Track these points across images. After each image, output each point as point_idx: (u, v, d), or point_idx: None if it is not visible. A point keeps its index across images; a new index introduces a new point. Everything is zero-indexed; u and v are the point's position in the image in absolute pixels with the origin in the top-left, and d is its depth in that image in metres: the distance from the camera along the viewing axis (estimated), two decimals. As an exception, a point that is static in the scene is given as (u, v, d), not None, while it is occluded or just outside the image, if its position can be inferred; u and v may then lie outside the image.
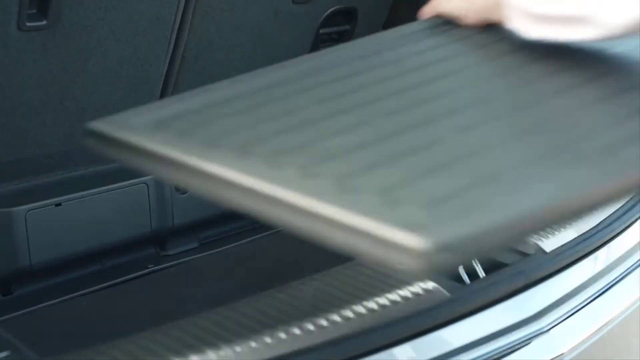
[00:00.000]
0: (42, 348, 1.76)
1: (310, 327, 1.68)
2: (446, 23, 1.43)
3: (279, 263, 2.22)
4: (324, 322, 1.70)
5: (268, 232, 2.43)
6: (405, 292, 1.81)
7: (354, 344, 1.65)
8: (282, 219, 1.02)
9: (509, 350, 1.72)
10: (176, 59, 2.13)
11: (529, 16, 1.29)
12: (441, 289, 1.74)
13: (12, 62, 1.89)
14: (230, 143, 1.08)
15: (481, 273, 1.86)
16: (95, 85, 2.04)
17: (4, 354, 1.69)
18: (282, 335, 1.66)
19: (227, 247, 2.37)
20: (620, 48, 1.31)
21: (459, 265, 0.88)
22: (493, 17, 1.38)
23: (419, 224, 0.86)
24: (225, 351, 1.62)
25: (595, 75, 1.24)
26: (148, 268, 2.27)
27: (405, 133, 1.07)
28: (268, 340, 1.66)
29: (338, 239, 0.94)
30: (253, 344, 1.65)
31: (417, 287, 1.81)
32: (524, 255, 1.86)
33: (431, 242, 0.82)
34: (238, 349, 1.63)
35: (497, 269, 1.84)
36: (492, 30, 1.39)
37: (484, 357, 1.71)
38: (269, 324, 1.70)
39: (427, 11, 1.45)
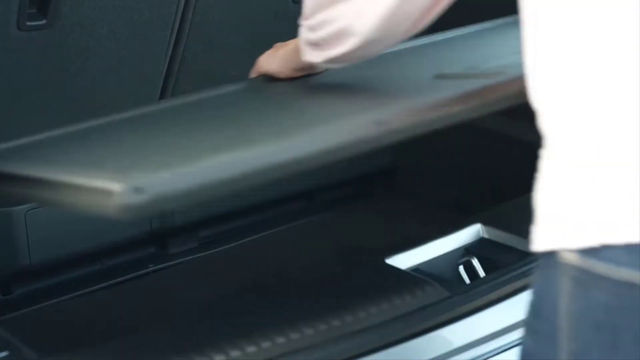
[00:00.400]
0: (42, 348, 1.76)
1: (310, 326, 1.68)
2: (267, 79, 1.69)
3: (279, 263, 2.22)
4: (323, 322, 1.70)
5: (268, 232, 2.43)
6: (406, 292, 1.81)
7: (354, 343, 1.65)
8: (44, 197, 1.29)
9: (509, 350, 1.73)
10: (176, 58, 2.13)
11: (312, 45, 1.53)
12: (441, 288, 1.75)
13: (11, 61, 1.89)
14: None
15: (481, 273, 1.86)
16: (95, 85, 2.04)
17: (3, 354, 1.70)
18: (282, 334, 1.66)
19: (227, 247, 2.37)
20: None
21: (156, 209, 1.21)
22: (299, 64, 1.63)
23: (124, 176, 1.14)
24: (226, 350, 1.63)
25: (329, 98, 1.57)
26: (148, 268, 2.27)
27: (165, 144, 1.40)
28: (268, 339, 1.66)
29: (71, 198, 1.23)
30: (254, 343, 1.65)
31: (418, 288, 1.82)
32: (524, 255, 1.86)
33: (124, 185, 1.10)
34: (239, 348, 1.63)
35: (497, 269, 1.84)
36: (295, 79, 1.67)
37: (484, 356, 1.71)
38: (269, 323, 1.70)
39: (252, 72, 1.72)
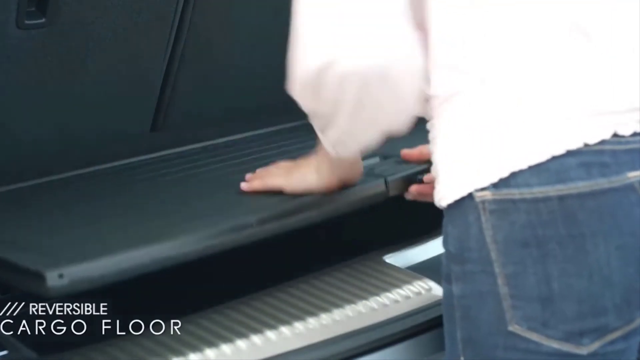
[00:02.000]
0: (42, 348, 1.76)
1: (309, 325, 1.69)
2: None
3: (279, 263, 2.22)
4: (323, 321, 1.70)
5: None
6: (405, 291, 1.81)
7: (353, 343, 1.65)
8: None
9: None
10: (175, 57, 2.13)
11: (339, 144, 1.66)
12: (441, 288, 1.74)
13: (10, 60, 1.89)
14: None
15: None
16: (94, 84, 2.04)
17: (3, 353, 1.70)
18: (282, 334, 1.66)
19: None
20: None
21: (77, 289, 1.54)
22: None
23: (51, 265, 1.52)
24: (225, 350, 1.63)
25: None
26: (147, 268, 2.26)
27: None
28: (268, 339, 1.66)
29: None
30: (253, 343, 1.65)
31: (417, 286, 1.82)
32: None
33: (49, 273, 1.49)
34: (237, 347, 1.63)
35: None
36: None
37: (484, 355, 1.71)
38: (269, 323, 1.70)
39: (257, 185, 1.89)
